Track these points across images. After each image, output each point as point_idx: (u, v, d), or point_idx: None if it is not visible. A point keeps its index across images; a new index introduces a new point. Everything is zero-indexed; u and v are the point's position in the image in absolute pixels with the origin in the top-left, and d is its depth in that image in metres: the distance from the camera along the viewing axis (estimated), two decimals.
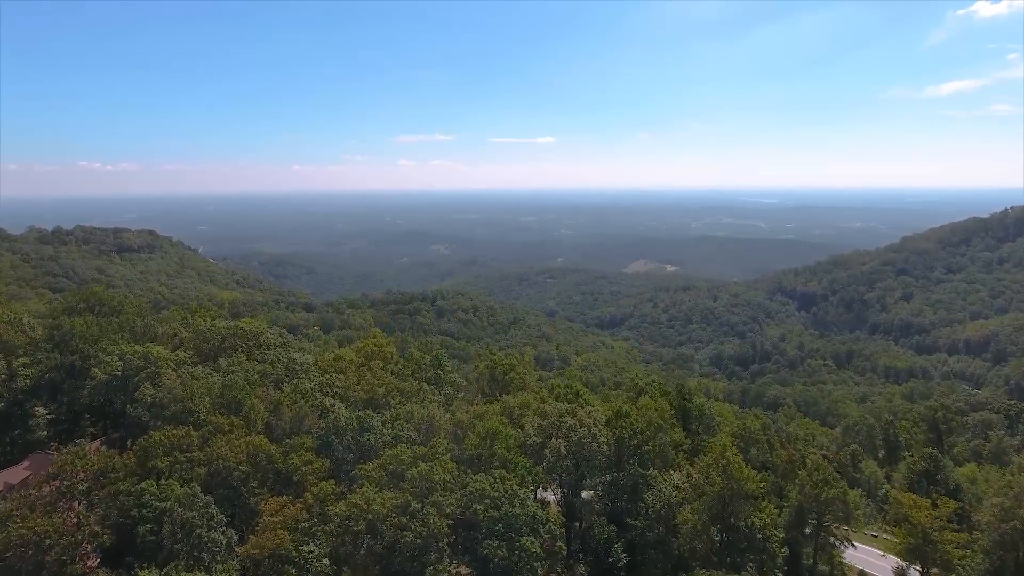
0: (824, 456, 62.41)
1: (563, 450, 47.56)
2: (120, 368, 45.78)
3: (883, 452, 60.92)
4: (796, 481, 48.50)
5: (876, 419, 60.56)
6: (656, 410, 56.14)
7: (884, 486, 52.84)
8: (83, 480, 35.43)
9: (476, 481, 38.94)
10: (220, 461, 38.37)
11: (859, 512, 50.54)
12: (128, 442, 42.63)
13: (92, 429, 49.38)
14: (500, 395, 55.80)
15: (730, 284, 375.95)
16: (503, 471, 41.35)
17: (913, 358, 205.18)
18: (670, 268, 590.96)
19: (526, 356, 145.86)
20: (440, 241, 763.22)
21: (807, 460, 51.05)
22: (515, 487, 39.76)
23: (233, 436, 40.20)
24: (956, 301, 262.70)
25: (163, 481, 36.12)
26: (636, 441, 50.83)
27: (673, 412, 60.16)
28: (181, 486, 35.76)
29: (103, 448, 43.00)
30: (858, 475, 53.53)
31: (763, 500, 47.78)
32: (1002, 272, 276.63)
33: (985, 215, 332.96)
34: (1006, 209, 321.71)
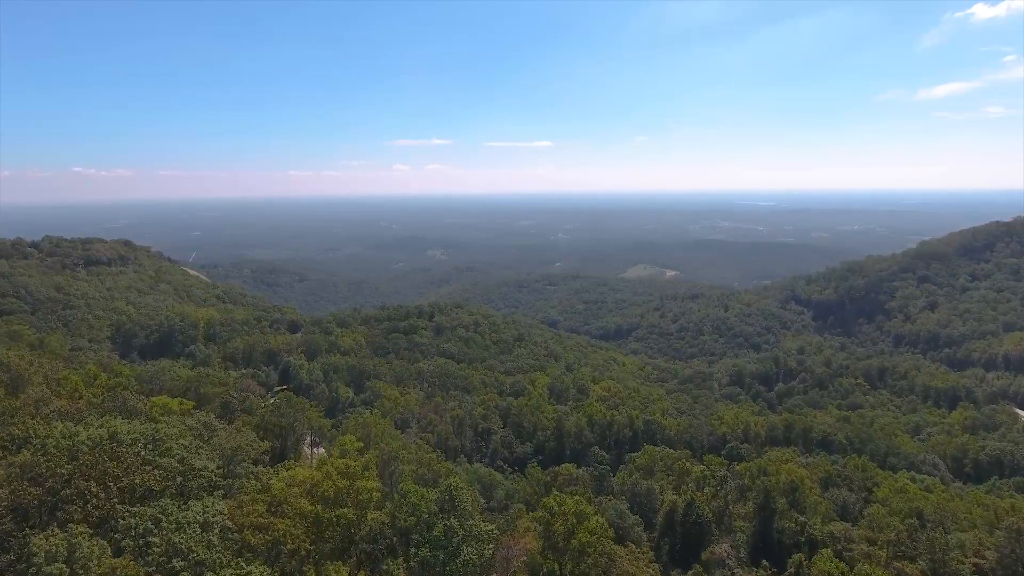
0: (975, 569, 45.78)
1: None
2: None
3: None
4: None
5: None
6: None
7: None
8: None
9: None
10: None
11: None
12: None
13: None
14: None
15: (741, 292, 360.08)
16: None
17: (955, 377, 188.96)
18: (670, 273, 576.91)
19: (538, 385, 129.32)
20: (436, 246, 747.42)
21: None
22: None
23: None
24: (986, 311, 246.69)
25: None
26: None
27: None
28: None
29: None
30: None
31: None
32: None
33: (1007, 218, 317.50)
34: None
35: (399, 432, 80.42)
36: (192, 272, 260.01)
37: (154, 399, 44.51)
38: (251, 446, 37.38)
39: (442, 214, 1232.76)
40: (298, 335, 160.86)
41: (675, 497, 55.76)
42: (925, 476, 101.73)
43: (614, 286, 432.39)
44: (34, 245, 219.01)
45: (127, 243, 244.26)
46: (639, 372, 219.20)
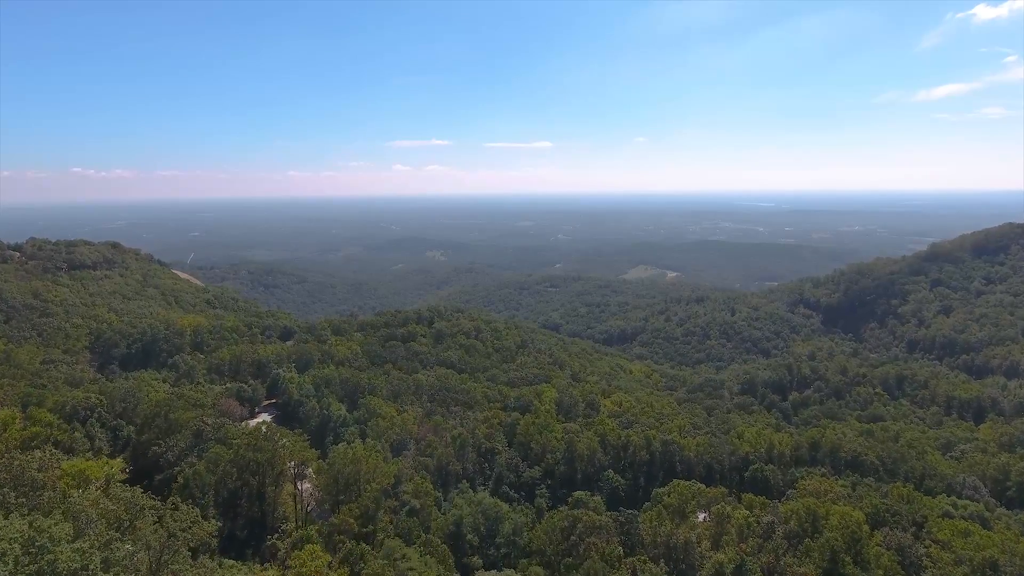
0: None
1: None
2: None
3: None
4: None
5: None
6: None
7: None
8: None
9: None
10: None
11: None
12: None
13: None
14: None
15: (747, 295, 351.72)
16: None
17: (977, 387, 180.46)
18: (671, 274, 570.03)
19: (545, 399, 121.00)
20: (436, 247, 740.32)
21: None
22: None
23: None
24: (1003, 316, 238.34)
25: None
26: None
27: None
28: None
29: None
30: None
31: None
32: None
33: (1011, 219, 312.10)
34: None
35: (395, 463, 72.14)
36: (183, 275, 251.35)
37: (66, 464, 35.15)
38: (188, 533, 28.39)
39: (441, 215, 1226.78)
40: (290, 343, 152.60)
41: (721, 556, 47.51)
42: (968, 501, 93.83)
43: (616, 288, 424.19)
44: (16, 248, 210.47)
45: (115, 245, 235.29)
46: (647, 380, 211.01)
